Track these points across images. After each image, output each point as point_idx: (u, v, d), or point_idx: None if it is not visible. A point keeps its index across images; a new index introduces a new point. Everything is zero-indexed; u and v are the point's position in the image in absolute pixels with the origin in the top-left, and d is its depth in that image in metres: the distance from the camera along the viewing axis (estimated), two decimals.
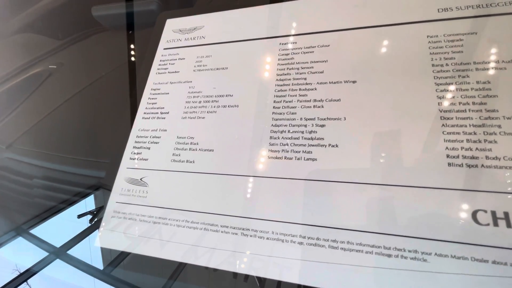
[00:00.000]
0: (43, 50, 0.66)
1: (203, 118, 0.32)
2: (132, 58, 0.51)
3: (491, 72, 0.24)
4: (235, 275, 0.24)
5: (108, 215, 0.30)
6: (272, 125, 0.28)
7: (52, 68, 0.63)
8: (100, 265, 0.31)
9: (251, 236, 0.25)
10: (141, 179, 0.31)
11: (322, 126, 0.27)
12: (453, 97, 0.24)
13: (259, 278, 0.24)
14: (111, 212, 0.30)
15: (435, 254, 0.20)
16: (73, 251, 0.34)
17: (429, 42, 0.27)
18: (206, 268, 0.25)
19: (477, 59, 0.25)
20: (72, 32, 0.65)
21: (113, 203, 0.31)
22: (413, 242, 0.21)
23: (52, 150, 0.46)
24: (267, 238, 0.24)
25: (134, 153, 0.33)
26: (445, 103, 0.24)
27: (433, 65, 0.26)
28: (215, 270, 0.25)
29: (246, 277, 0.24)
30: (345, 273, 0.21)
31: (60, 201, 0.40)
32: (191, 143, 0.31)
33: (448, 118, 0.24)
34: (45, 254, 0.35)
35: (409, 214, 0.22)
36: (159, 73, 0.37)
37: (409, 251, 0.21)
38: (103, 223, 0.30)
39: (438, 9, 0.28)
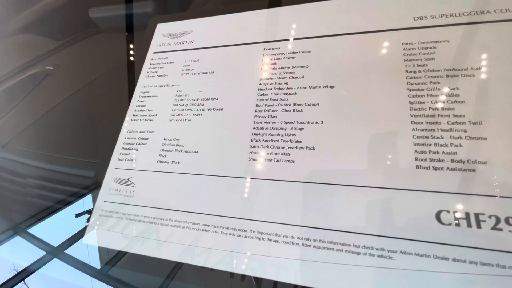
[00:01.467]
0: (40, 52, 0.67)
1: (189, 120, 0.33)
2: (127, 60, 0.52)
3: (460, 79, 0.25)
4: (231, 274, 0.25)
5: (96, 213, 0.31)
6: (254, 128, 0.30)
7: (49, 70, 0.64)
8: (97, 265, 0.32)
9: (230, 234, 0.26)
10: (128, 179, 0.32)
11: (301, 129, 0.28)
12: (424, 102, 0.25)
13: (255, 278, 0.25)
14: (99, 211, 0.31)
15: (400, 252, 0.21)
16: (70, 251, 0.35)
17: (404, 49, 0.28)
18: (203, 267, 0.26)
19: (447, 66, 0.26)
20: (69, 33, 0.66)
21: (101, 201, 0.32)
22: (380, 240, 0.22)
23: (46, 150, 0.48)
24: (245, 237, 0.25)
25: (123, 154, 0.34)
26: (416, 108, 0.25)
27: (406, 71, 0.27)
28: (212, 269, 0.26)
29: (243, 276, 0.25)
30: (316, 270, 0.22)
31: (54, 201, 0.41)
32: (176, 145, 0.32)
33: (418, 123, 0.25)
34: (43, 253, 0.36)
35: (377, 213, 0.23)
36: (148, 76, 0.38)
37: (377, 249, 0.22)
38: (91, 222, 0.31)
39: (414, 17, 0.29)
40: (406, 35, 0.29)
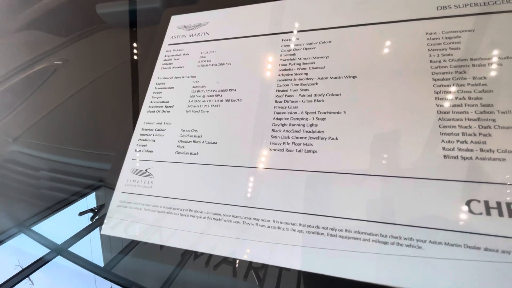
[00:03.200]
0: (48, 46, 0.67)
1: (207, 111, 0.32)
2: (137, 55, 0.51)
3: (487, 68, 0.25)
4: (234, 273, 0.25)
5: (114, 204, 0.31)
6: (274, 118, 0.29)
7: (58, 64, 0.64)
8: (101, 262, 0.32)
9: (252, 224, 0.26)
10: (146, 170, 0.32)
11: (323, 119, 0.28)
12: (450, 92, 0.25)
13: (258, 276, 0.25)
14: (117, 202, 0.31)
15: (430, 241, 0.21)
16: (74, 248, 0.35)
17: (428, 39, 0.28)
18: (206, 265, 0.26)
19: (473, 55, 0.26)
20: (76, 29, 0.66)
21: (119, 193, 0.32)
22: (408, 230, 0.22)
23: (58, 143, 0.47)
24: (268, 227, 0.25)
25: (140, 145, 0.34)
26: (442, 98, 0.25)
27: (431, 61, 0.27)
28: (215, 267, 0.26)
29: (246, 275, 0.25)
30: (343, 259, 0.22)
31: (64, 194, 0.41)
32: (195, 136, 0.32)
33: (444, 112, 0.24)
34: (47, 250, 0.36)
35: (405, 204, 0.22)
36: (164, 68, 0.38)
37: (405, 238, 0.21)
38: (109, 212, 0.31)
39: (437, 7, 0.29)
40: (430, 25, 0.28)
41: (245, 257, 0.25)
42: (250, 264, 0.26)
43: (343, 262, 0.22)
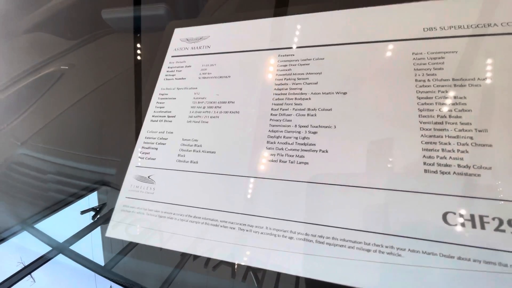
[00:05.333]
0: (54, 51, 0.69)
1: (207, 122, 0.34)
2: (142, 62, 0.53)
3: (467, 88, 0.27)
4: (233, 274, 0.27)
5: (118, 208, 0.33)
6: (269, 130, 0.31)
7: (64, 69, 0.66)
8: (101, 261, 0.33)
9: (247, 230, 0.27)
10: (148, 177, 0.34)
11: (314, 133, 0.30)
12: (433, 110, 0.27)
13: (256, 277, 0.26)
14: (121, 206, 0.33)
15: (409, 250, 0.23)
16: (75, 247, 0.36)
17: (414, 58, 0.29)
18: (205, 266, 0.27)
19: (455, 76, 0.27)
20: (82, 33, 0.68)
21: (123, 198, 0.34)
22: (390, 239, 0.23)
23: (65, 147, 0.50)
24: (262, 233, 0.27)
25: (143, 153, 0.36)
26: (425, 116, 0.27)
27: (416, 80, 0.28)
28: (214, 268, 0.27)
29: (244, 276, 0.26)
30: (330, 265, 0.24)
31: (69, 197, 0.43)
32: (195, 145, 0.34)
33: (427, 129, 0.26)
34: (49, 248, 0.37)
35: (388, 214, 0.24)
36: (167, 79, 0.40)
37: (386, 246, 0.23)
38: (113, 216, 0.33)
39: (424, 28, 0.31)
40: (416, 45, 0.30)
41: (239, 261, 0.27)
42: (248, 266, 0.27)
43: (329, 267, 0.24)
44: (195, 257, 0.28)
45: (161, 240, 0.30)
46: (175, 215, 0.31)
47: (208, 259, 0.28)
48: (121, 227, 0.32)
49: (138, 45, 0.57)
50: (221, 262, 0.27)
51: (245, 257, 0.26)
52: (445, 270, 0.22)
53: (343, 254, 0.24)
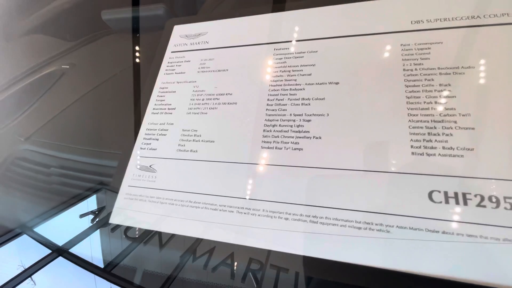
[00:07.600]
0: (55, 51, 0.70)
1: (206, 113, 0.36)
2: (143, 59, 0.55)
3: (452, 76, 0.28)
4: (232, 275, 0.27)
5: (121, 196, 0.35)
6: (266, 119, 0.33)
7: (65, 68, 0.68)
8: (100, 263, 0.34)
9: (245, 213, 0.29)
10: (150, 166, 0.35)
11: (308, 121, 0.31)
12: (419, 97, 0.28)
13: (256, 278, 0.27)
14: (124, 194, 0.35)
15: (396, 226, 0.24)
16: (75, 249, 0.36)
17: (402, 50, 0.31)
18: (205, 268, 0.28)
19: (440, 65, 0.29)
20: (82, 34, 0.69)
21: (126, 186, 0.35)
22: (379, 217, 0.25)
23: (68, 142, 0.51)
24: (259, 215, 0.28)
25: (145, 144, 0.37)
26: (413, 102, 0.28)
27: (404, 69, 0.30)
28: (213, 269, 0.28)
29: (244, 277, 0.27)
30: (323, 242, 0.25)
31: (73, 189, 0.44)
32: (194, 135, 0.35)
33: (414, 115, 0.28)
34: (48, 251, 0.37)
35: (378, 194, 0.26)
36: (167, 73, 0.41)
37: (376, 224, 0.25)
38: (116, 203, 0.34)
39: (411, 21, 0.32)
40: (404, 37, 0.32)
41: (237, 241, 0.28)
42: (248, 267, 0.27)
43: (322, 244, 0.25)
44: (195, 258, 0.29)
45: (163, 226, 0.31)
46: (176, 201, 0.32)
47: (208, 260, 0.29)
48: (123, 214, 0.33)
49: (139, 45, 0.58)
50: (220, 263, 0.28)
51: (242, 237, 0.28)
52: (430, 243, 0.23)
53: (335, 232, 0.25)
